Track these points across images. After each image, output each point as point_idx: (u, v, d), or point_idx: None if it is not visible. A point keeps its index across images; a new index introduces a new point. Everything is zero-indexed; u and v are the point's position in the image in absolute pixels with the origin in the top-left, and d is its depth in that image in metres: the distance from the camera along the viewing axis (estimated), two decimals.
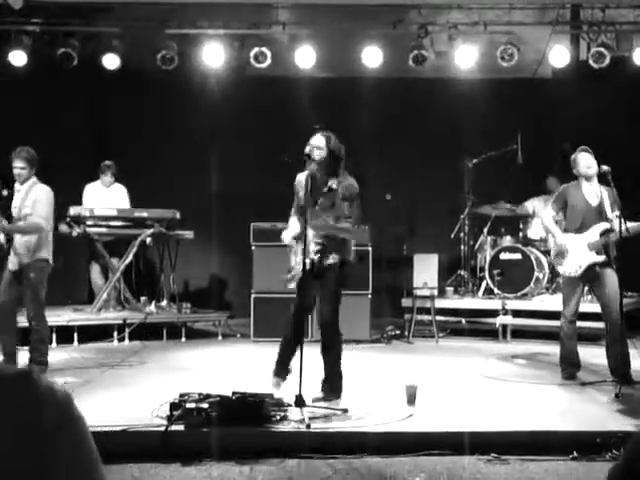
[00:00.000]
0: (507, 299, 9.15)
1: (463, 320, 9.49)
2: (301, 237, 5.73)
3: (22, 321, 6.99)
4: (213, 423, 4.86)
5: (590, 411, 5.59)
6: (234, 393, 5.12)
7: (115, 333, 8.75)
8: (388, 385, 6.25)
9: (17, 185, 6.67)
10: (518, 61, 9.29)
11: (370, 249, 8.79)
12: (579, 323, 6.94)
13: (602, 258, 6.54)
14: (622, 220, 6.24)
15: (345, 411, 5.34)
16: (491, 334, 9.23)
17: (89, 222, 9.01)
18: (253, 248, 8.93)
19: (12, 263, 6.61)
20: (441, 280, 9.59)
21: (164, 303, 9.43)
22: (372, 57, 9.17)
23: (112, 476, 4.19)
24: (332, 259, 5.79)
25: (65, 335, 8.43)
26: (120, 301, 9.36)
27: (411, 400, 5.53)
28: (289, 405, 5.16)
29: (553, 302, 8.60)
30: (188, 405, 4.95)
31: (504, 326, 9.13)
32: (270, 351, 8.11)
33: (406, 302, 9.49)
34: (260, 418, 4.95)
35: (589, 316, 7.95)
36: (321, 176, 5.81)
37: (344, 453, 4.71)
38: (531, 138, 9.84)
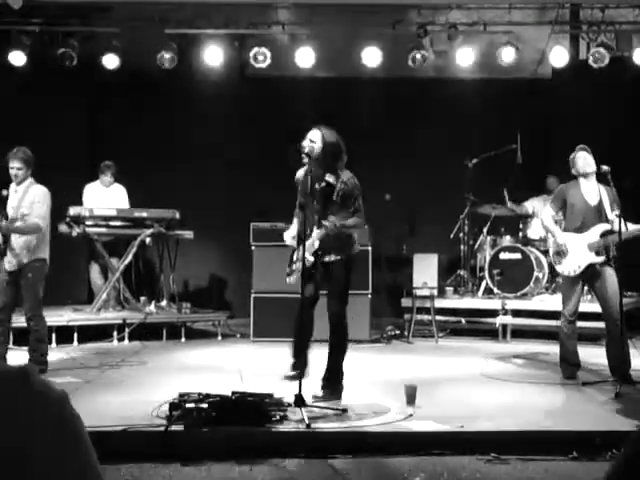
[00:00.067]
0: (507, 299, 9.15)
1: (463, 320, 9.49)
2: (301, 234, 5.76)
3: (21, 321, 7.00)
4: (213, 423, 4.86)
5: (590, 411, 5.59)
6: (234, 393, 5.12)
7: (115, 333, 8.74)
8: (388, 385, 6.25)
9: (13, 185, 6.67)
10: (518, 61, 9.30)
11: (370, 249, 8.79)
12: (579, 323, 6.94)
13: (601, 259, 6.54)
14: (622, 220, 6.24)
15: (345, 411, 5.34)
16: (491, 334, 9.23)
17: (89, 222, 9.01)
18: (253, 248, 8.93)
19: (9, 264, 6.60)
20: (441, 280, 9.59)
21: (164, 303, 9.43)
22: (372, 57, 9.17)
23: (112, 476, 4.18)
24: (334, 256, 5.80)
25: (65, 335, 8.43)
26: (120, 301, 9.36)
27: (411, 400, 5.53)
28: (289, 405, 5.16)
29: (553, 302, 8.59)
30: (188, 405, 4.95)
31: (504, 326, 9.12)
32: (270, 351, 8.15)
33: (406, 302, 9.49)
34: (260, 418, 4.95)
35: (589, 316, 7.95)
36: (318, 171, 5.82)
37: (344, 453, 4.71)
38: (531, 138, 9.83)
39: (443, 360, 7.86)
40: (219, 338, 9.26)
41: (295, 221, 6.04)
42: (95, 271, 9.55)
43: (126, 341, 8.74)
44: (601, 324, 7.06)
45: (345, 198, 5.79)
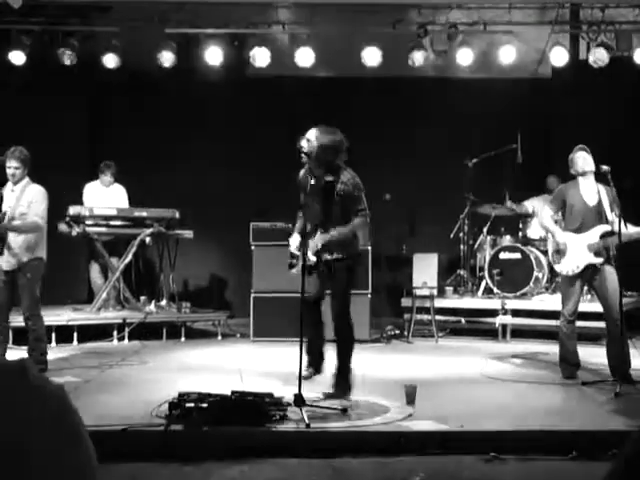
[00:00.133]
0: (506, 299, 9.15)
1: (463, 320, 9.49)
2: (302, 233, 5.78)
3: (19, 320, 7.00)
4: (212, 423, 4.86)
5: (590, 410, 5.59)
6: (233, 393, 5.12)
7: (115, 333, 8.74)
8: (388, 385, 6.25)
9: (10, 185, 6.66)
10: (518, 61, 9.30)
11: (369, 249, 8.79)
12: (579, 323, 6.94)
13: (600, 260, 6.53)
14: (622, 221, 6.23)
15: (344, 411, 5.34)
16: (491, 334, 9.23)
17: (89, 222, 9.01)
18: (253, 248, 8.93)
19: (7, 263, 6.60)
20: (441, 280, 9.59)
21: (164, 303, 9.43)
22: (372, 57, 9.16)
23: (111, 476, 4.18)
24: (336, 254, 5.83)
25: (65, 335, 8.43)
26: (120, 301, 9.36)
27: (411, 400, 5.53)
28: (288, 404, 5.16)
29: (552, 302, 8.59)
30: (187, 405, 4.95)
31: (504, 326, 9.12)
32: (270, 351, 8.15)
33: (405, 302, 9.49)
34: (259, 418, 4.95)
35: (589, 316, 7.95)
36: (317, 170, 5.83)
37: (344, 453, 4.70)
38: (531, 138, 9.83)
39: (443, 360, 7.86)
40: (219, 338, 9.26)
41: (298, 225, 6.05)
42: (95, 270, 9.55)
43: (126, 341, 8.74)
44: (601, 324, 7.06)
45: (345, 198, 5.80)
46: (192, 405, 4.94)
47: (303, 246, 5.74)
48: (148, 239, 9.24)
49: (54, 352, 7.82)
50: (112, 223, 9.20)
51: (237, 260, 10.48)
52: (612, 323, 6.48)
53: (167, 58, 9.29)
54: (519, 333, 9.19)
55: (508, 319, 9.08)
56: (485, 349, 8.56)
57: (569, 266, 6.62)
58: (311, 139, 5.76)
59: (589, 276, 6.63)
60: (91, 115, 10.96)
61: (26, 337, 6.86)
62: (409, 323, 9.28)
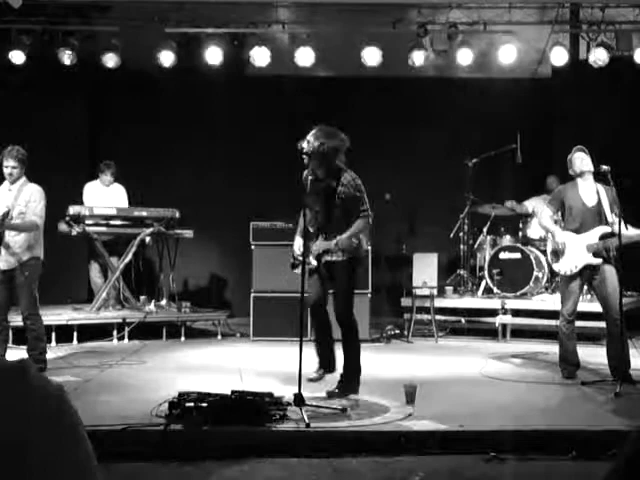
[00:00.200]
0: (506, 298, 9.15)
1: (462, 319, 9.49)
2: (303, 235, 5.79)
3: (19, 320, 7.00)
4: (212, 422, 4.86)
5: (590, 410, 5.59)
6: (233, 392, 5.12)
7: (114, 332, 8.74)
8: (387, 384, 6.25)
9: (6, 184, 6.66)
10: (518, 61, 9.30)
11: (369, 248, 8.79)
12: (579, 323, 6.94)
13: (599, 261, 6.53)
14: (622, 222, 6.22)
15: (344, 410, 5.34)
16: (490, 333, 9.23)
17: (88, 221, 9.00)
18: (253, 247, 8.93)
19: (6, 262, 6.59)
20: (440, 279, 9.59)
21: (163, 302, 9.43)
22: (372, 56, 9.16)
23: (111, 475, 4.18)
24: (336, 257, 5.86)
25: (65, 334, 8.43)
26: (119, 300, 9.36)
27: (410, 399, 5.53)
28: (288, 404, 5.16)
29: (552, 301, 8.59)
30: (187, 404, 4.95)
31: (503, 325, 9.12)
32: (269, 350, 8.15)
33: (405, 301, 9.49)
34: (259, 417, 4.95)
35: (589, 316, 7.95)
36: (318, 170, 5.84)
37: (343, 452, 4.70)
38: (531, 138, 9.83)
39: (443, 360, 7.86)
40: (219, 337, 9.26)
41: (299, 226, 6.07)
42: (95, 270, 9.55)
43: (126, 340, 8.74)
44: (601, 324, 7.06)
45: (346, 200, 5.82)
46: (192, 405, 4.94)
47: (304, 248, 5.76)
48: (148, 239, 9.25)
49: (54, 351, 7.83)
50: (112, 223, 9.20)
51: (237, 260, 10.49)
52: (612, 323, 6.47)
53: (167, 58, 9.30)
54: (519, 333, 9.20)
55: (508, 319, 9.08)
56: (485, 349, 8.56)
57: (567, 266, 6.62)
58: (311, 140, 5.77)
59: (589, 276, 6.62)
60: (91, 115, 10.96)
61: (26, 337, 6.86)
62: (409, 323, 9.27)
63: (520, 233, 9.73)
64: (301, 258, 5.79)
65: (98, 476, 1.37)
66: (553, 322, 7.85)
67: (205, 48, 9.24)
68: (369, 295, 8.83)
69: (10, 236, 6.55)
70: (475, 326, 9.43)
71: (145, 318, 8.84)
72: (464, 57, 9.26)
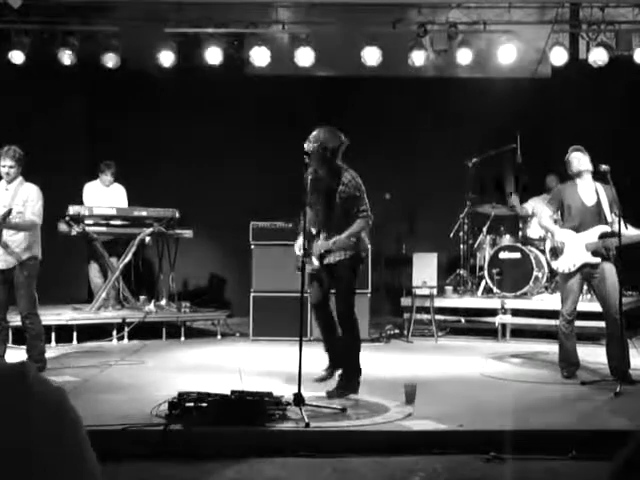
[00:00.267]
0: (506, 298, 9.15)
1: (462, 319, 9.49)
2: (304, 235, 5.79)
3: (18, 320, 7.00)
4: (212, 422, 4.86)
5: (590, 410, 5.59)
6: (233, 392, 5.12)
7: (114, 332, 8.74)
8: (387, 384, 6.25)
9: (3, 184, 6.66)
10: (518, 60, 9.30)
11: (369, 248, 8.78)
12: (579, 322, 6.94)
13: (597, 260, 6.53)
14: (622, 221, 6.22)
15: (344, 410, 5.34)
16: (490, 333, 9.23)
17: (88, 221, 9.00)
18: (252, 247, 8.93)
19: (4, 262, 6.59)
20: (440, 279, 9.59)
21: (163, 302, 9.43)
22: (371, 56, 9.16)
23: (111, 476, 4.18)
24: (337, 257, 5.86)
25: (64, 334, 8.43)
26: (119, 300, 9.36)
27: (410, 399, 5.53)
28: (288, 404, 5.16)
29: (552, 301, 8.59)
30: (187, 404, 4.95)
31: (503, 325, 9.13)
32: (269, 350, 8.15)
33: (405, 301, 9.49)
34: (259, 417, 4.95)
35: (589, 316, 7.95)
36: (320, 170, 5.86)
37: (343, 452, 4.70)
38: (531, 138, 9.83)
39: (442, 359, 7.86)
40: (218, 337, 9.26)
41: (300, 226, 6.07)
42: (94, 270, 9.55)
43: (125, 340, 8.74)
44: (601, 324, 7.06)
45: (347, 200, 5.84)
46: (192, 405, 4.94)
47: (303, 248, 5.77)
48: (148, 239, 9.25)
49: (54, 351, 7.83)
50: (112, 223, 9.20)
51: (237, 260, 10.48)
52: (612, 322, 6.47)
53: (167, 58, 9.29)
54: (519, 333, 9.20)
55: (508, 319, 9.09)
56: (485, 349, 8.56)
57: (566, 264, 6.62)
58: (312, 140, 5.79)
59: (588, 275, 6.62)
60: (91, 115, 10.96)
61: (25, 336, 6.85)
62: (409, 322, 9.28)
63: (520, 233, 9.73)
64: (304, 258, 5.81)
65: (100, 479, 1.37)
66: (553, 322, 7.85)
67: (205, 48, 9.24)
68: (369, 295, 8.83)
69: (8, 235, 6.55)
70: (475, 326, 9.43)
71: (145, 318, 8.84)
72: (464, 57, 9.25)
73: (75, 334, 8.53)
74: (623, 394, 5.89)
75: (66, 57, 9.17)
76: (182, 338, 9.08)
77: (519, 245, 9.44)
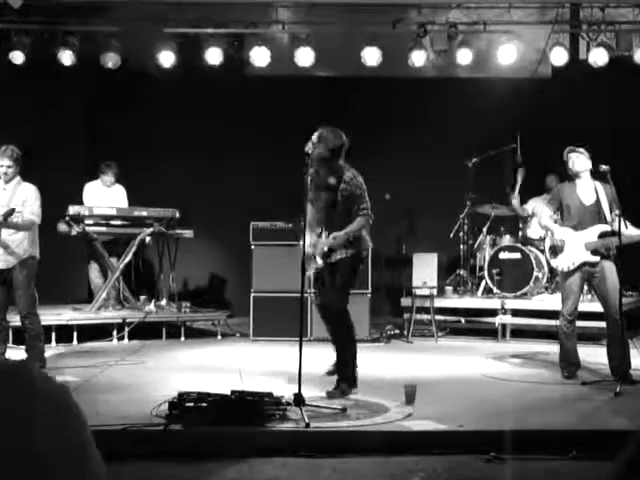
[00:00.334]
0: (506, 298, 9.15)
1: (462, 319, 9.49)
2: (303, 231, 5.82)
3: (17, 320, 6.99)
4: (212, 422, 4.86)
5: (590, 410, 5.59)
6: (233, 392, 5.12)
7: (114, 332, 8.74)
8: (387, 384, 6.25)
9: (1, 184, 6.65)
10: (518, 60, 9.30)
11: (370, 246, 8.78)
12: (579, 323, 6.94)
13: (596, 259, 6.53)
14: (621, 220, 6.22)
15: (344, 410, 5.34)
16: (490, 333, 9.23)
17: (88, 221, 9.00)
18: (252, 247, 8.93)
19: (4, 262, 6.59)
20: (440, 279, 9.58)
21: (163, 302, 9.43)
22: (372, 56, 9.16)
23: (111, 475, 4.17)
24: (339, 255, 5.88)
25: (65, 334, 8.43)
26: (119, 300, 9.36)
27: (410, 399, 5.53)
28: (288, 404, 5.16)
29: (552, 301, 8.59)
30: (187, 404, 4.95)
31: (503, 325, 9.12)
32: (269, 350, 8.15)
33: (405, 301, 9.49)
34: (259, 417, 4.95)
35: (589, 316, 7.95)
36: (321, 170, 5.87)
37: (343, 452, 4.70)
38: (531, 138, 9.83)
39: (442, 359, 7.86)
40: (219, 337, 9.26)
41: (309, 222, 6.10)
42: (94, 270, 9.55)
43: (126, 340, 8.74)
44: (601, 324, 7.06)
45: (348, 198, 5.86)
46: (192, 405, 4.94)
47: (304, 247, 5.78)
48: (148, 239, 9.25)
49: (54, 351, 7.83)
50: (112, 223, 9.20)
51: (237, 260, 10.49)
52: (612, 322, 6.47)
53: (167, 58, 9.29)
54: (519, 333, 9.19)
55: (508, 319, 9.08)
56: (485, 349, 8.56)
57: (565, 262, 6.62)
58: (313, 139, 5.80)
59: (588, 273, 6.62)
60: (91, 115, 10.95)
61: (22, 336, 6.85)
62: (409, 323, 9.28)
63: (520, 233, 9.73)
64: (311, 256, 5.85)
65: (105, 477, 1.37)
66: (553, 322, 7.84)
67: (205, 48, 9.23)
68: (369, 295, 8.83)
69: (8, 235, 6.55)
70: (475, 326, 9.43)
71: (145, 318, 8.84)
72: (464, 57, 9.25)
73: (75, 334, 8.53)
74: (623, 394, 5.89)
75: (66, 57, 9.17)
76: (182, 338, 9.08)
77: (519, 245, 9.44)
